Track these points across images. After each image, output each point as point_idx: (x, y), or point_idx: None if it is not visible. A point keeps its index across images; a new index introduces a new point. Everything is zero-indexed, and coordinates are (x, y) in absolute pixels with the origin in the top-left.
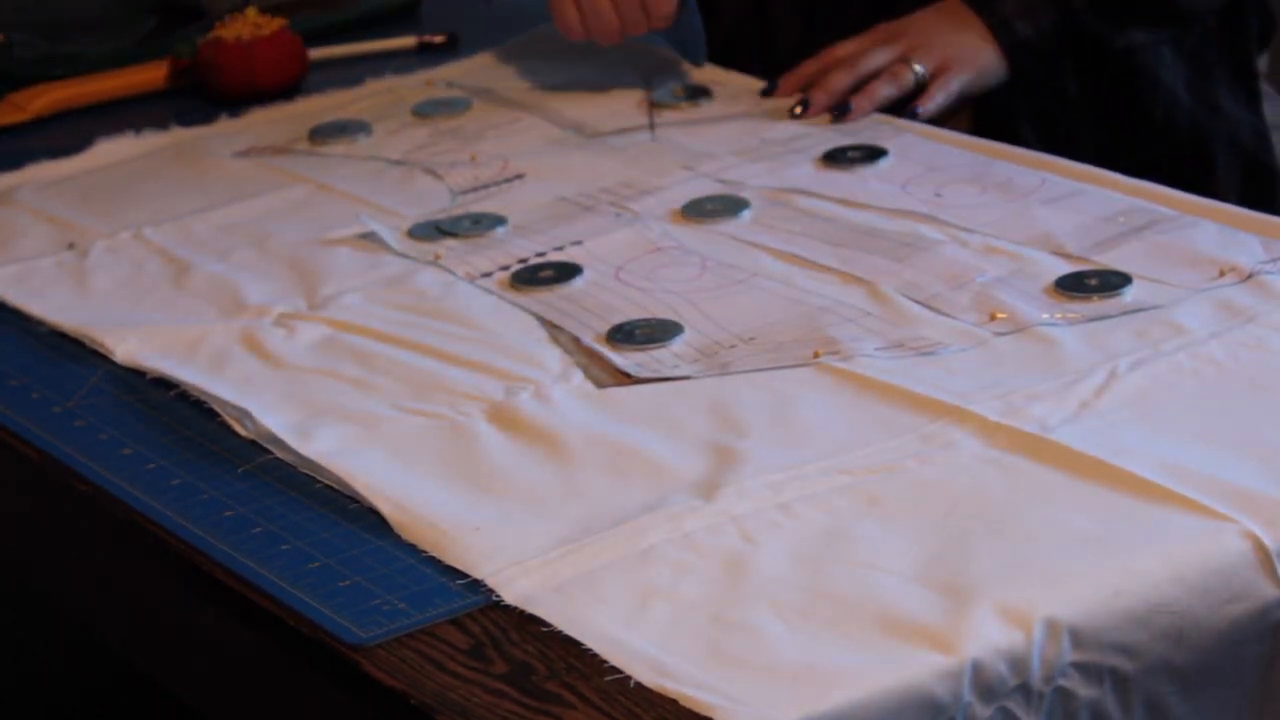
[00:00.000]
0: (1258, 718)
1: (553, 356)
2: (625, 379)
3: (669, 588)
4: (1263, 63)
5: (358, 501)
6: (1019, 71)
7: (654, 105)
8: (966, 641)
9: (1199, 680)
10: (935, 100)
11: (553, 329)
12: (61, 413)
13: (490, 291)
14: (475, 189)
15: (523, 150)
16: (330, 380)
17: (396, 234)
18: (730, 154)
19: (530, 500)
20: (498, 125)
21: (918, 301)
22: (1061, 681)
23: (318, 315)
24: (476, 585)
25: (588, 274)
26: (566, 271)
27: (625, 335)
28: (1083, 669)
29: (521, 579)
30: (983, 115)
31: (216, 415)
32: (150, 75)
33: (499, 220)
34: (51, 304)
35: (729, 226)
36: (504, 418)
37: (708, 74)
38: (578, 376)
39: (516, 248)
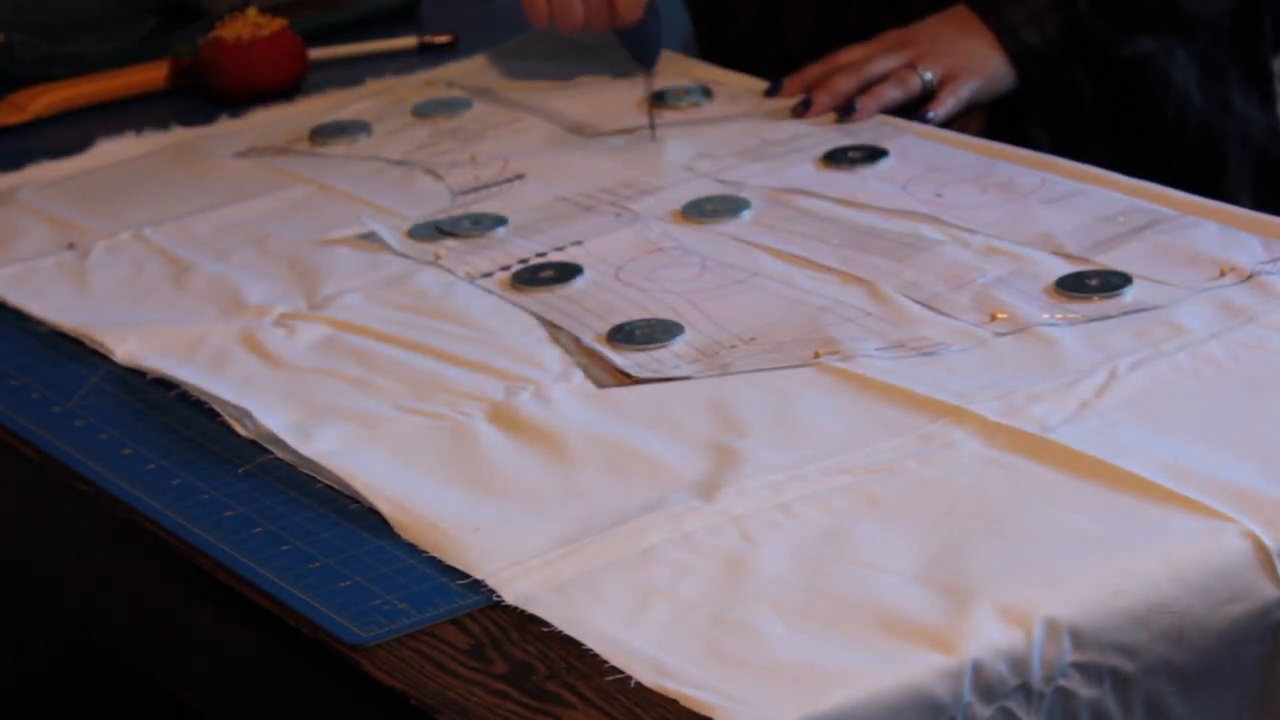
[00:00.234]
0: (1258, 718)
1: (553, 356)
2: (625, 379)
3: (669, 588)
4: (1278, 63)
5: (358, 501)
6: (1027, 78)
7: (654, 105)
8: (966, 641)
9: (1199, 680)
10: (946, 105)
11: (553, 329)
12: (61, 413)
13: (490, 291)
14: (475, 189)
15: (523, 150)
16: (330, 380)
17: (397, 234)
18: (730, 154)
19: (530, 500)
20: (498, 125)
21: (918, 302)
22: (1062, 681)
23: (318, 315)
24: (476, 585)
25: (588, 274)
26: (567, 271)
27: (625, 335)
28: (1083, 669)
29: (521, 579)
30: (995, 118)
31: (216, 415)
32: (150, 75)
33: (499, 220)
34: (52, 304)
35: (729, 226)
36: (504, 418)
37: (708, 74)
38: (578, 376)
39: (517, 248)
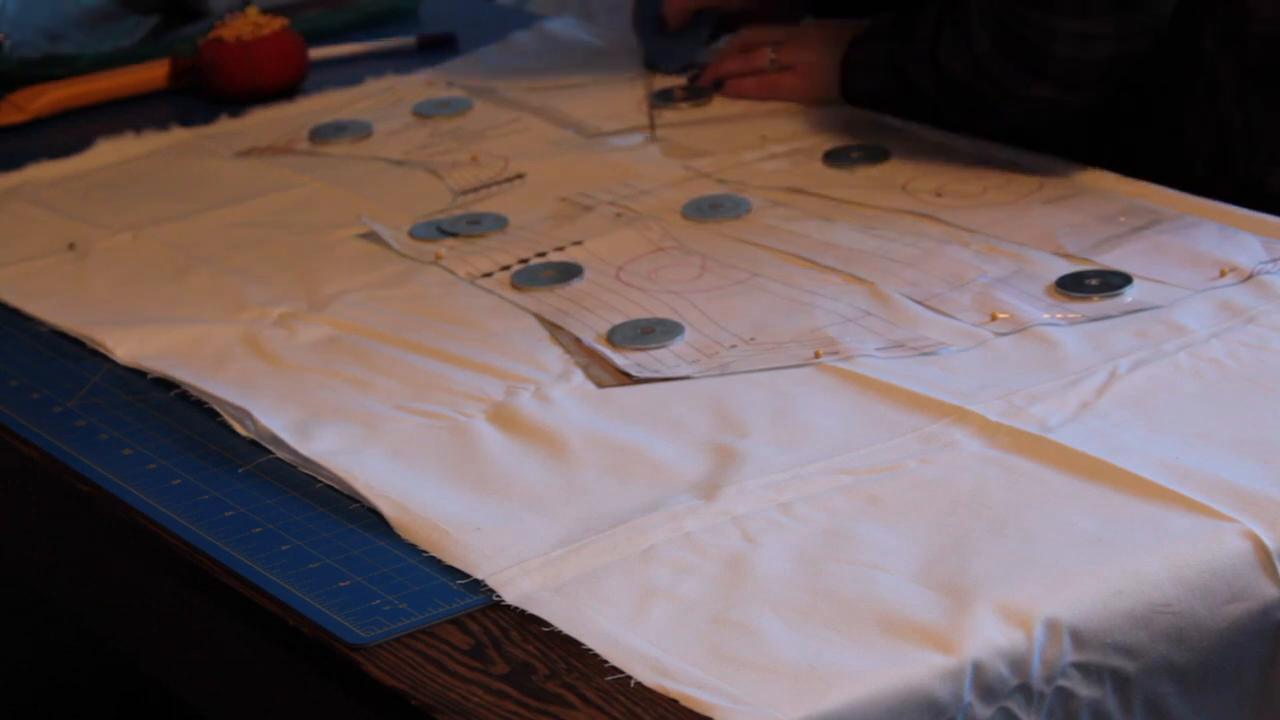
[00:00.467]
0: (1257, 717)
1: (553, 356)
2: (626, 379)
3: (669, 588)
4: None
5: (358, 501)
6: (857, 105)
7: (654, 105)
8: (966, 641)
9: (1199, 680)
10: (745, 90)
11: (553, 329)
12: (61, 413)
13: (491, 291)
14: (476, 189)
15: (523, 150)
16: (331, 380)
17: (397, 234)
18: (730, 154)
19: (531, 500)
20: (498, 125)
21: (918, 302)
22: (1062, 682)
23: (318, 315)
24: (477, 585)
25: (588, 274)
26: (567, 271)
27: (625, 335)
28: (1083, 669)
29: (522, 579)
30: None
31: (216, 415)
32: (150, 75)
33: (499, 220)
34: (52, 304)
35: (729, 226)
36: (504, 418)
37: None
38: (578, 376)
39: (517, 248)
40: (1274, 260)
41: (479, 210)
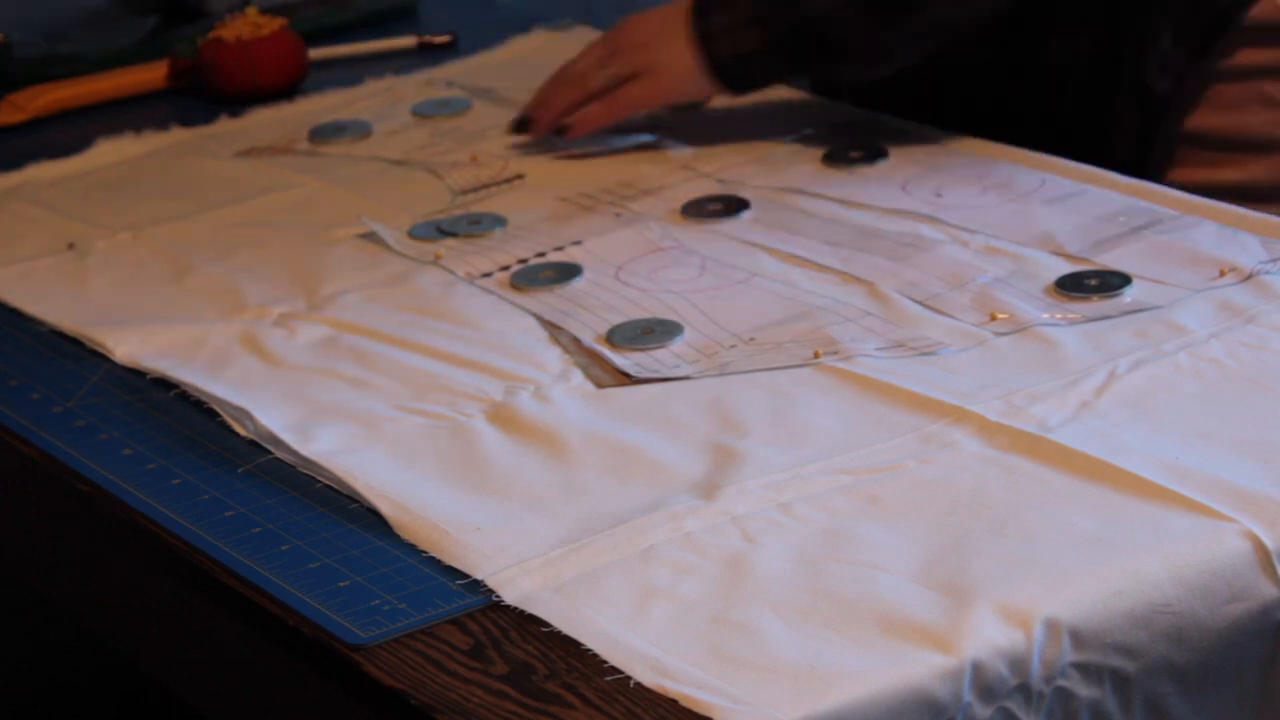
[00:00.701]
0: (1257, 717)
1: (553, 356)
2: (625, 379)
3: (669, 588)
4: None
5: (358, 501)
6: (732, 85)
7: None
8: (966, 641)
9: (1199, 680)
10: (589, 114)
11: (553, 329)
12: (61, 413)
13: (490, 291)
14: (475, 189)
15: (523, 150)
16: (330, 380)
17: (396, 234)
18: (730, 154)
19: (530, 500)
20: (498, 125)
21: (918, 301)
22: (1061, 682)
23: (318, 315)
24: (476, 585)
25: (588, 274)
26: (566, 271)
27: (625, 335)
28: (1083, 669)
29: (522, 579)
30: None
31: (216, 415)
32: (150, 75)
33: (499, 220)
34: (52, 304)
35: (729, 226)
36: (504, 418)
37: None
38: (578, 376)
39: (516, 248)
40: (1274, 260)
41: (479, 210)
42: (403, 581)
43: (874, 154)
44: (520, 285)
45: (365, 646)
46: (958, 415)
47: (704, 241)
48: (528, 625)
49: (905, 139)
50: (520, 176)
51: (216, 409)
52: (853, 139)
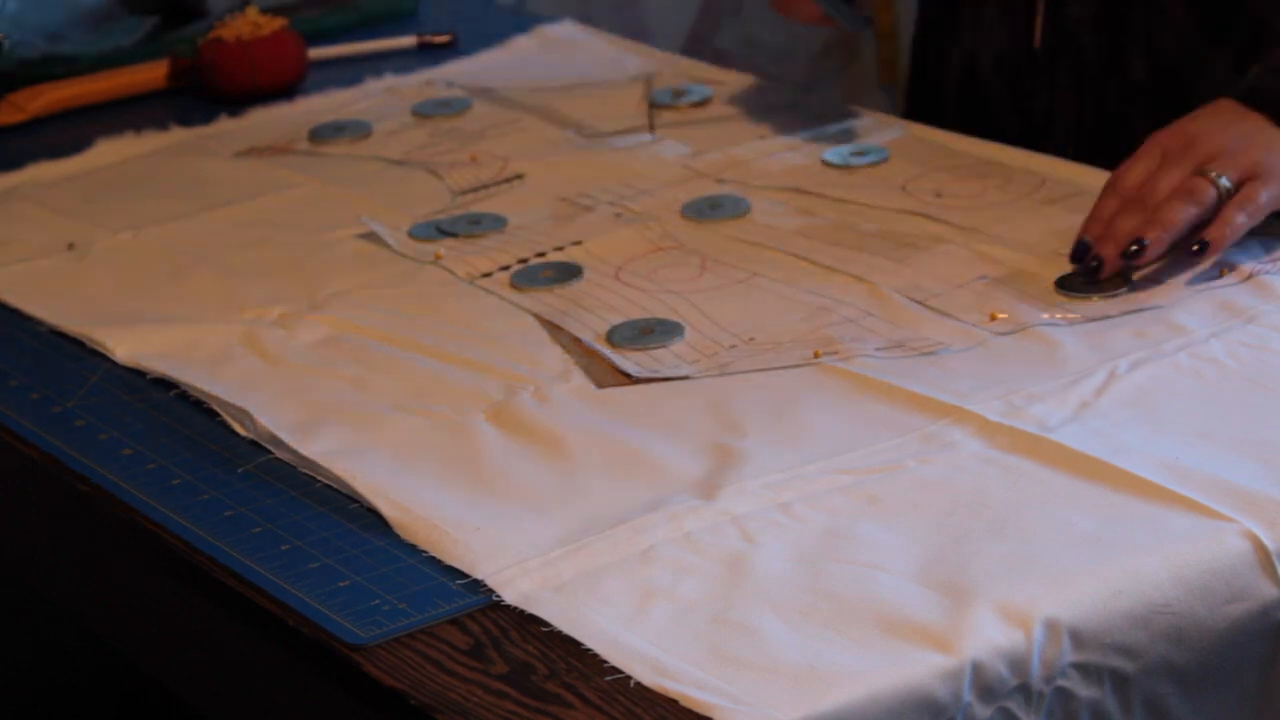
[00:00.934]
0: (1257, 717)
1: (553, 356)
2: (625, 379)
3: (669, 588)
4: None
5: (358, 501)
6: None
7: (654, 105)
8: (966, 641)
9: (1199, 680)
10: (1233, 224)
11: (553, 329)
12: (61, 413)
13: (490, 291)
14: (475, 189)
15: (522, 150)
16: (330, 380)
17: (396, 234)
18: (730, 154)
19: (530, 500)
20: (497, 125)
21: (918, 301)
22: (1061, 682)
23: (318, 315)
24: (476, 585)
25: (588, 274)
26: (566, 271)
27: (625, 335)
28: (1083, 669)
29: (522, 579)
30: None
31: (217, 415)
32: (150, 75)
33: (499, 220)
34: (52, 304)
35: (729, 226)
36: (504, 418)
37: (708, 73)
38: (578, 376)
39: (516, 248)
40: (1274, 260)
41: (478, 210)
42: (403, 581)
43: (874, 154)
44: (520, 285)
45: (365, 646)
46: (958, 415)
47: (703, 241)
48: (528, 625)
49: (905, 139)
50: (520, 176)
51: (217, 409)
52: (853, 139)
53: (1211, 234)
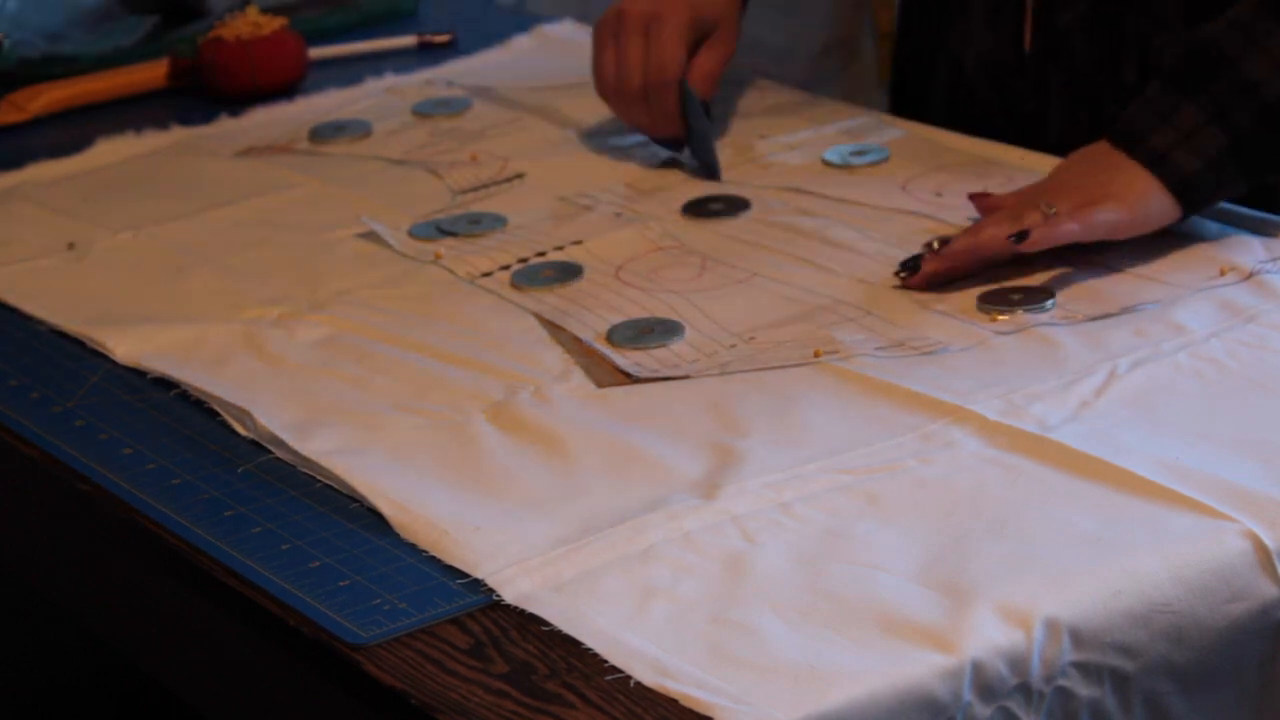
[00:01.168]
0: (1257, 716)
1: (553, 356)
2: (625, 379)
3: (669, 587)
4: None
5: (358, 501)
6: (1190, 207)
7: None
8: (966, 641)
9: (1199, 680)
10: (1060, 226)
11: (553, 329)
12: (61, 413)
13: (490, 291)
14: (475, 188)
15: (523, 150)
16: (331, 380)
17: (397, 234)
18: (730, 154)
19: (530, 500)
20: (498, 125)
21: (918, 301)
22: (1061, 681)
23: (318, 315)
24: (476, 585)
25: (588, 274)
26: (567, 271)
27: (625, 335)
28: (1083, 669)
29: (522, 579)
30: None
31: (217, 415)
32: (150, 75)
33: (499, 220)
34: (52, 304)
35: (729, 226)
36: (504, 417)
37: None
38: (578, 376)
39: (517, 247)
40: (1274, 260)
41: (478, 210)
42: (403, 581)
43: (874, 154)
44: (520, 285)
45: (365, 646)
46: (958, 415)
47: (704, 241)
48: (528, 625)
49: (905, 139)
50: (520, 176)
51: (217, 409)
52: (853, 139)
53: (1035, 226)
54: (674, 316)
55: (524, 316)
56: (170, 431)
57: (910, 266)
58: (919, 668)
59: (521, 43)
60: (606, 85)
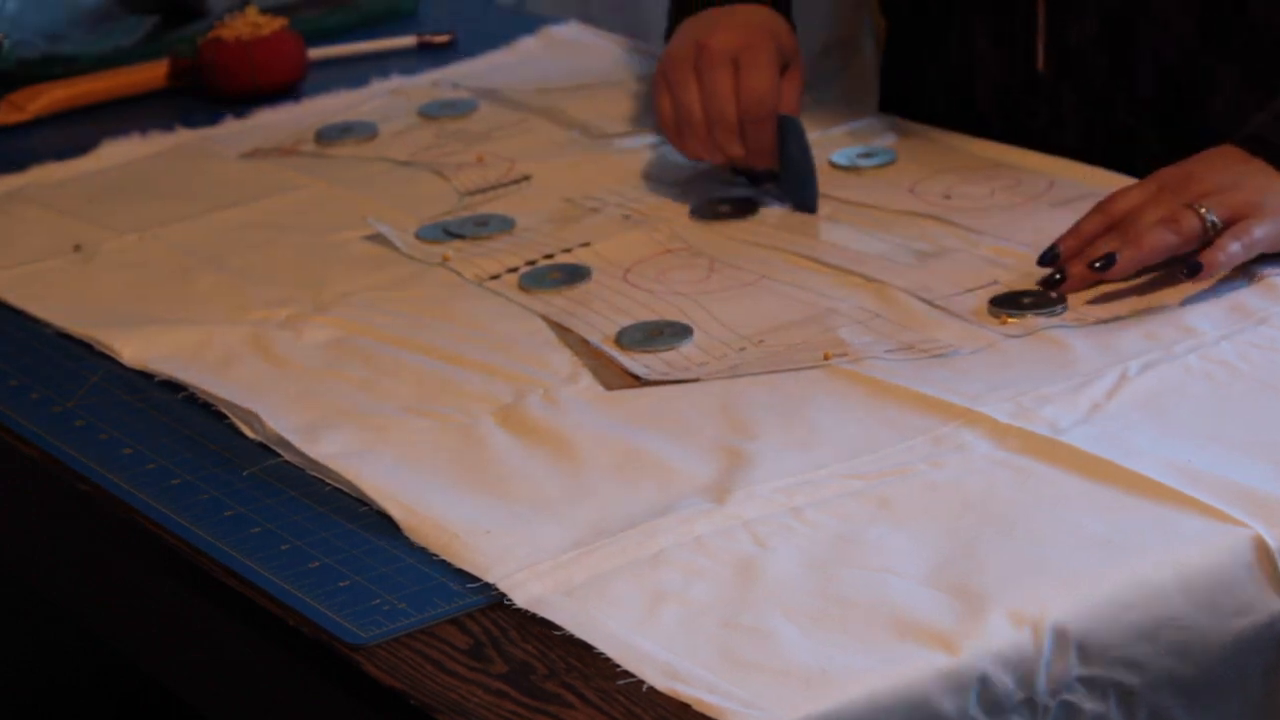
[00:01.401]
0: None
1: (561, 359)
2: (634, 381)
3: (680, 591)
4: None
5: (358, 501)
6: None
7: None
8: (976, 649)
9: (1204, 693)
10: (1227, 251)
11: (561, 331)
12: (61, 413)
13: (498, 293)
14: (482, 190)
15: (529, 151)
16: (338, 382)
17: (403, 236)
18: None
19: (540, 503)
20: (504, 126)
21: (928, 303)
22: (1067, 696)
23: (325, 317)
24: (477, 585)
25: (596, 276)
26: (575, 273)
27: (634, 337)
28: (1088, 683)
29: (533, 583)
30: None
31: (217, 415)
32: (150, 75)
33: (506, 222)
34: (58, 306)
35: (737, 228)
36: (513, 420)
37: None
38: (586, 379)
39: (524, 250)
40: None
41: (485, 212)
42: (402, 581)
43: (882, 156)
44: (528, 287)
45: (365, 646)
46: (968, 418)
47: (712, 243)
48: (527, 625)
49: (913, 141)
50: (527, 178)
51: (225, 411)
52: (860, 141)
53: (1205, 256)
54: (683, 319)
55: (532, 319)
56: (170, 432)
57: (1050, 261)
58: (929, 674)
59: (527, 44)
60: (689, 120)
